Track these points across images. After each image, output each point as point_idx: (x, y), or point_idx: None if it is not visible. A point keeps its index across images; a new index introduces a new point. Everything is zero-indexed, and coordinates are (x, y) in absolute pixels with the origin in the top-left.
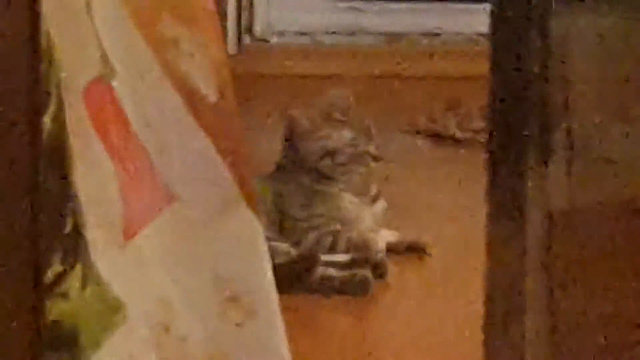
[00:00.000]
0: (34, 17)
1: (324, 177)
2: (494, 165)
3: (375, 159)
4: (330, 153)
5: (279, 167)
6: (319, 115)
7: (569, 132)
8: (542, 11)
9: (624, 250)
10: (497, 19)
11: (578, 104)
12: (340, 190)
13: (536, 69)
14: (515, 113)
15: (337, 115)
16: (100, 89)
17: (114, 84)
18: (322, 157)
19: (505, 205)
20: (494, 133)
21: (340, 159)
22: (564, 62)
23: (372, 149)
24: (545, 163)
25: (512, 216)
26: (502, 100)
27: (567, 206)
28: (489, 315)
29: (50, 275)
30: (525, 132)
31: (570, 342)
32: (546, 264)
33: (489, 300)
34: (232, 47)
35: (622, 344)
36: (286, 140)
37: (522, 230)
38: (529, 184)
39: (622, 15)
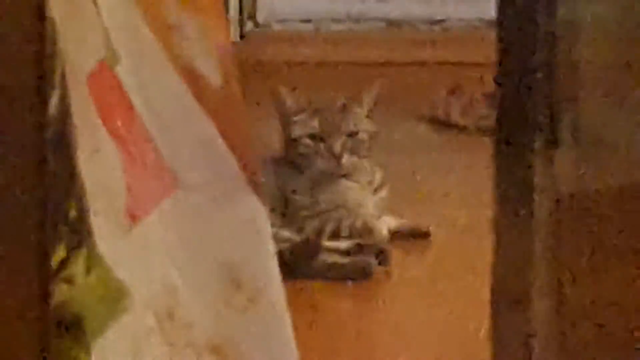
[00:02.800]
0: (40, 3)
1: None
2: (501, 151)
3: (351, 135)
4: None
5: (284, 154)
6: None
7: (576, 117)
8: None
9: (631, 235)
10: (504, 5)
11: (585, 89)
12: (343, 176)
13: (543, 55)
14: (523, 99)
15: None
16: (104, 74)
17: (118, 69)
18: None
19: (513, 191)
20: (501, 119)
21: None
22: (571, 48)
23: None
24: (553, 149)
25: (520, 202)
26: (509, 87)
27: (574, 191)
28: (495, 301)
29: (55, 260)
30: (533, 118)
31: (577, 328)
32: (553, 249)
33: (496, 285)
34: (234, 34)
35: (629, 329)
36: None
37: (530, 216)
38: (536, 169)
39: (630, 1)
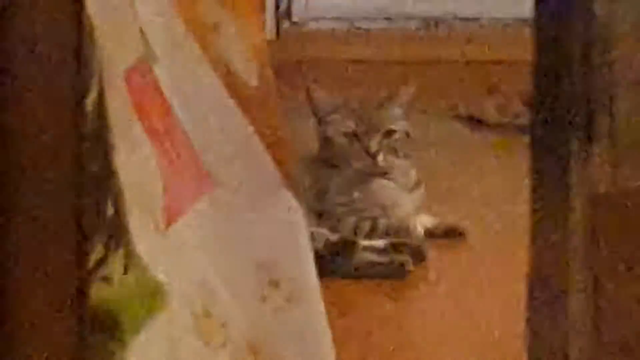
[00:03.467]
0: (77, 1)
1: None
2: (537, 150)
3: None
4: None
5: (320, 152)
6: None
7: (612, 116)
8: None
9: None
10: (540, 3)
11: (621, 88)
12: (380, 175)
13: (579, 53)
14: (559, 97)
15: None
16: (141, 72)
17: (155, 67)
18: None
19: (549, 189)
20: (537, 118)
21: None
22: (607, 47)
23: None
24: (589, 147)
25: (556, 200)
26: (545, 85)
27: (611, 190)
28: (532, 299)
29: (92, 259)
30: (569, 116)
31: (614, 325)
32: (590, 247)
33: (532, 284)
34: (270, 33)
35: None
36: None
37: (566, 214)
38: (573, 168)
39: None
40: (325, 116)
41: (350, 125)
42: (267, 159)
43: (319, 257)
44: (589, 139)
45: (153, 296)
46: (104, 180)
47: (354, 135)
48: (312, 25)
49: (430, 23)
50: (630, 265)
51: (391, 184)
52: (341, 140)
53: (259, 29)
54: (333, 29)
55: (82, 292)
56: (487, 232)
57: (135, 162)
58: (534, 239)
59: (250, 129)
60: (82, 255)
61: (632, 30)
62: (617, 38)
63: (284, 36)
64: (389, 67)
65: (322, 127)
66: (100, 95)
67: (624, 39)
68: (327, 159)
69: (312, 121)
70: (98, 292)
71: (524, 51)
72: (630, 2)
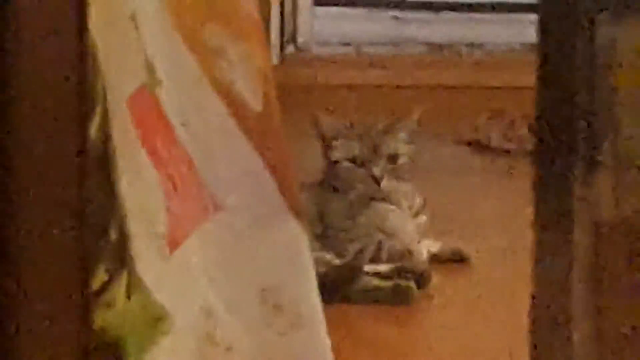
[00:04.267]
0: (82, 27)
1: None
2: (541, 175)
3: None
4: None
5: (324, 177)
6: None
7: (615, 142)
8: (588, 21)
9: None
10: (544, 29)
11: (625, 114)
12: (384, 199)
13: (583, 79)
14: (562, 123)
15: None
16: (145, 97)
17: (159, 92)
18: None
19: (553, 215)
20: (541, 143)
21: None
22: (610, 72)
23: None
24: (592, 173)
25: (559, 226)
26: (549, 111)
27: (614, 216)
28: (535, 326)
29: (96, 284)
30: (572, 143)
31: (617, 354)
32: (593, 273)
33: (536, 310)
34: (275, 57)
35: None
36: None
37: (569, 240)
38: (576, 194)
39: None
40: (331, 141)
41: (355, 149)
42: (271, 184)
43: (323, 282)
44: (593, 164)
45: (156, 321)
46: (108, 206)
47: (359, 160)
48: (317, 50)
49: (436, 48)
50: (633, 291)
51: (395, 209)
52: (346, 165)
53: (264, 54)
54: (338, 54)
55: (85, 318)
56: (492, 257)
57: (139, 187)
58: (537, 264)
59: (254, 153)
60: (85, 280)
61: (635, 56)
62: (620, 64)
63: (288, 61)
64: (394, 92)
65: (327, 151)
66: (104, 121)
67: (627, 64)
68: (332, 183)
69: (317, 146)
70: (101, 317)
71: (529, 77)
72: (633, 28)
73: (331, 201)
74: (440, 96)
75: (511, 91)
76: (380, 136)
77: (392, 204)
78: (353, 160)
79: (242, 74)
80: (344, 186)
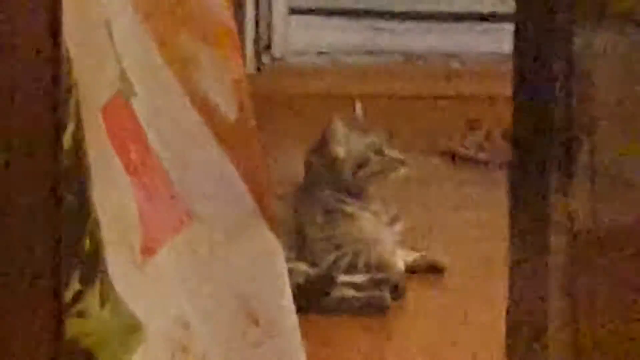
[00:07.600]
0: (55, 35)
1: (352, 190)
2: (516, 186)
3: (402, 163)
4: (364, 161)
5: (300, 187)
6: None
7: (592, 152)
8: (565, 31)
9: None
10: (520, 38)
11: (601, 124)
12: (359, 210)
13: (559, 89)
14: (539, 133)
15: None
16: (119, 106)
17: (133, 101)
18: (358, 165)
19: (528, 225)
20: (517, 153)
21: (373, 167)
22: (587, 82)
23: (396, 154)
24: (568, 183)
25: (535, 236)
26: (525, 121)
27: (590, 226)
28: (511, 336)
29: (69, 294)
30: (549, 153)
31: None
32: (569, 284)
33: (512, 320)
34: (251, 67)
35: None
36: (321, 147)
37: (545, 250)
38: (552, 204)
39: None
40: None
41: (330, 158)
42: (245, 193)
43: (297, 292)
44: (569, 174)
45: (130, 331)
46: (81, 215)
47: (334, 164)
48: (293, 60)
49: (411, 58)
50: (609, 301)
51: (371, 219)
52: (321, 170)
53: (238, 62)
54: (314, 63)
55: (58, 328)
56: (467, 267)
57: (112, 197)
58: (513, 274)
59: (229, 163)
60: (58, 289)
61: (612, 65)
62: (597, 73)
63: (264, 70)
64: (370, 101)
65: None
66: (78, 130)
67: (604, 74)
68: (307, 192)
69: (293, 154)
70: (74, 327)
71: (505, 86)
72: (609, 37)
73: (306, 211)
74: (415, 106)
75: (487, 101)
76: (355, 141)
77: (367, 213)
78: (328, 170)
79: (216, 82)
80: (318, 195)
